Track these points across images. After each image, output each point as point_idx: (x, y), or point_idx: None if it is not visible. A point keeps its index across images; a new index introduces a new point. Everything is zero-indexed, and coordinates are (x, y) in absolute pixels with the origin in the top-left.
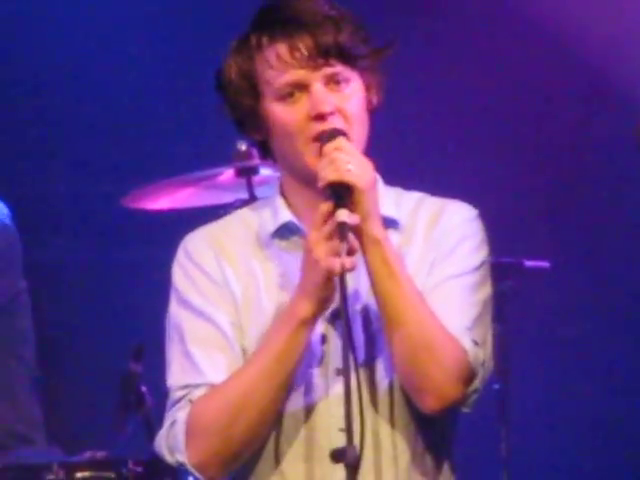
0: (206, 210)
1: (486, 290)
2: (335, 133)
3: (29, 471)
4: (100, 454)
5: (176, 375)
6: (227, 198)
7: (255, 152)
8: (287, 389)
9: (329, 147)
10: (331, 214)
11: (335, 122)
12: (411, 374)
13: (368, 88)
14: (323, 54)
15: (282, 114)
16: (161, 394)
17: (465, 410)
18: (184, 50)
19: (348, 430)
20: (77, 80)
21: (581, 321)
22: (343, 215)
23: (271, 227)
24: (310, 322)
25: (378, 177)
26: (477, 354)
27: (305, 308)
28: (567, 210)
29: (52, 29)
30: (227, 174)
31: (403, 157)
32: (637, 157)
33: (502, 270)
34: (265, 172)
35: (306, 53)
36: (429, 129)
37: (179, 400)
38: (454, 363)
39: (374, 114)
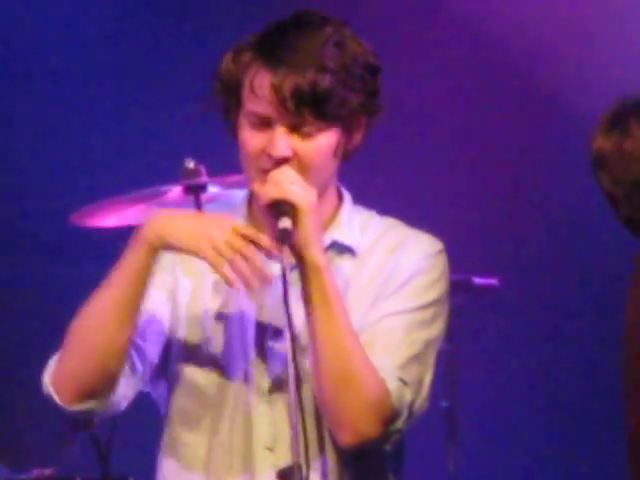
0: None
1: (433, 330)
2: (281, 163)
3: None
4: (48, 471)
5: None
6: None
7: (203, 169)
8: (134, 307)
9: (274, 172)
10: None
11: (287, 166)
12: (328, 406)
13: (349, 131)
14: (296, 104)
15: (245, 136)
16: None
17: (386, 448)
18: (134, 66)
19: (295, 451)
20: (24, 96)
21: (530, 338)
22: (285, 222)
23: None
24: (143, 272)
25: (348, 198)
26: (403, 394)
27: (136, 259)
28: (516, 226)
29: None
30: (175, 191)
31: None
32: (589, 172)
33: (451, 287)
34: (213, 190)
35: (282, 95)
36: (385, 143)
37: None
38: (373, 400)
39: (355, 152)
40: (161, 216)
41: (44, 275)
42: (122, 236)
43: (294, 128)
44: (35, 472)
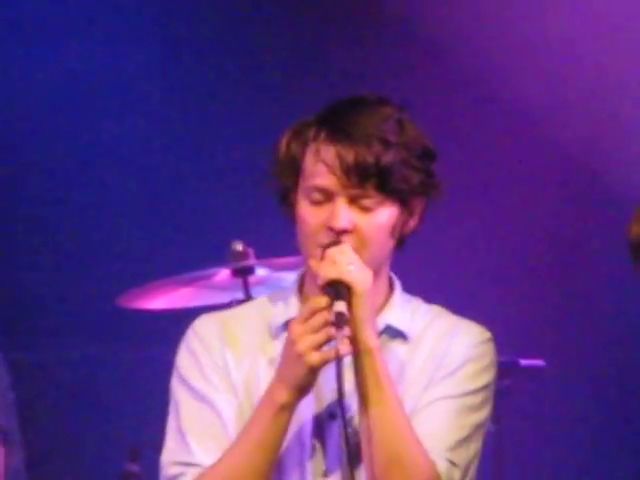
0: (202, 310)
1: (481, 415)
2: (340, 241)
3: None
4: None
5: (169, 451)
6: (223, 298)
7: (251, 252)
8: (269, 473)
9: (332, 250)
10: (321, 309)
11: (347, 239)
12: None
13: (407, 212)
14: (360, 176)
15: (304, 212)
16: None
17: None
18: (182, 146)
19: None
20: (75, 174)
21: (576, 421)
22: (341, 306)
23: (281, 320)
24: (289, 408)
25: (399, 284)
26: (452, 476)
27: (283, 395)
28: (563, 309)
29: (38, 127)
30: (223, 274)
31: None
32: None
33: (498, 369)
34: (261, 272)
35: (346, 166)
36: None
37: (172, 478)
38: None
39: (409, 237)
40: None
41: (91, 358)
42: (171, 319)
43: (355, 201)
44: None
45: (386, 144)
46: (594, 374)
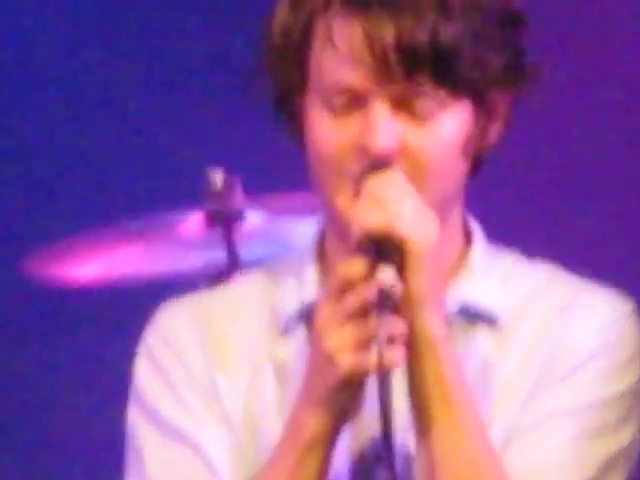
0: (160, 282)
1: (620, 437)
2: (387, 164)
3: None
4: None
5: None
6: (193, 261)
7: (238, 187)
8: None
9: (375, 182)
10: (359, 280)
11: (394, 166)
12: None
13: (486, 115)
14: (407, 64)
15: (323, 128)
16: None
17: None
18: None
19: None
20: None
21: None
22: (389, 275)
23: (292, 307)
24: (324, 439)
25: (479, 233)
26: None
27: (313, 421)
28: None
29: None
30: (193, 221)
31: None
32: None
33: None
34: (254, 219)
35: (380, 51)
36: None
37: None
38: None
39: (489, 155)
40: None
41: None
42: (110, 296)
43: (402, 105)
44: None
45: (446, 10)
46: None
